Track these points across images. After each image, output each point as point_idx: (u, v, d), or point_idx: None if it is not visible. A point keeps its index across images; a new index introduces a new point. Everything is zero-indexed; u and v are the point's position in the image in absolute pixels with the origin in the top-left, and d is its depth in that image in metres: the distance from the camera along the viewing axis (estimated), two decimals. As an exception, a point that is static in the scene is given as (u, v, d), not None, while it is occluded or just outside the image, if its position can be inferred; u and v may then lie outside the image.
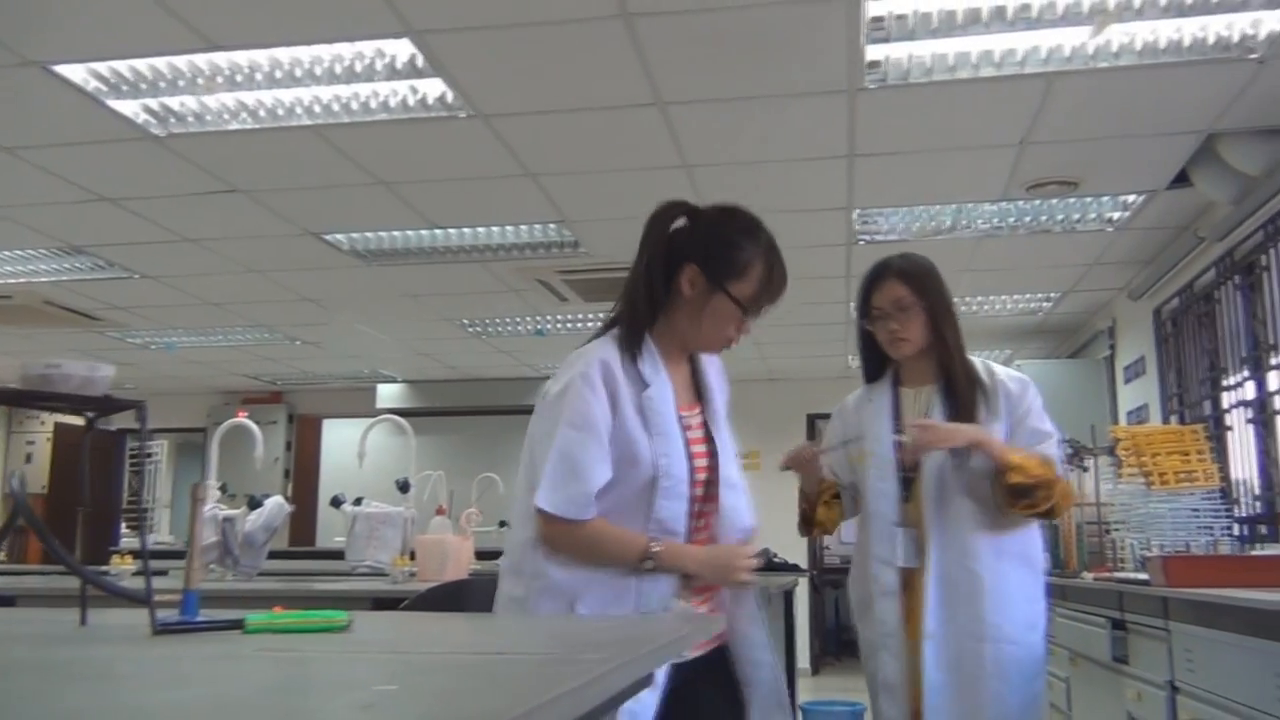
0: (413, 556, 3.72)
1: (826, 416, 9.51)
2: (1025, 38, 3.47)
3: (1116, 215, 5.17)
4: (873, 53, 3.55)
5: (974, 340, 8.15)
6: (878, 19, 3.35)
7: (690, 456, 1.88)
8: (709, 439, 1.96)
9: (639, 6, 3.24)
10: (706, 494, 1.92)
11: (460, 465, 8.49)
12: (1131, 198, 4.92)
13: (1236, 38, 3.45)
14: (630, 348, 1.89)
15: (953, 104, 3.92)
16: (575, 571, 1.79)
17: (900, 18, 3.35)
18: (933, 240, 5.51)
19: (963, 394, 2.42)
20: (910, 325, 2.44)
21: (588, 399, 1.80)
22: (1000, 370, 2.52)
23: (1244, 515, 4.70)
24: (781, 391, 9.30)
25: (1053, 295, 6.81)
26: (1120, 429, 4.37)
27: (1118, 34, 3.44)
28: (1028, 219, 5.25)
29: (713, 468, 1.93)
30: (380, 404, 9.84)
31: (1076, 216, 5.22)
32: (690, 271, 1.90)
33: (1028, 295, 6.86)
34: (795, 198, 4.91)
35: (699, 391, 2.02)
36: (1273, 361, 4.52)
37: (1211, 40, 3.47)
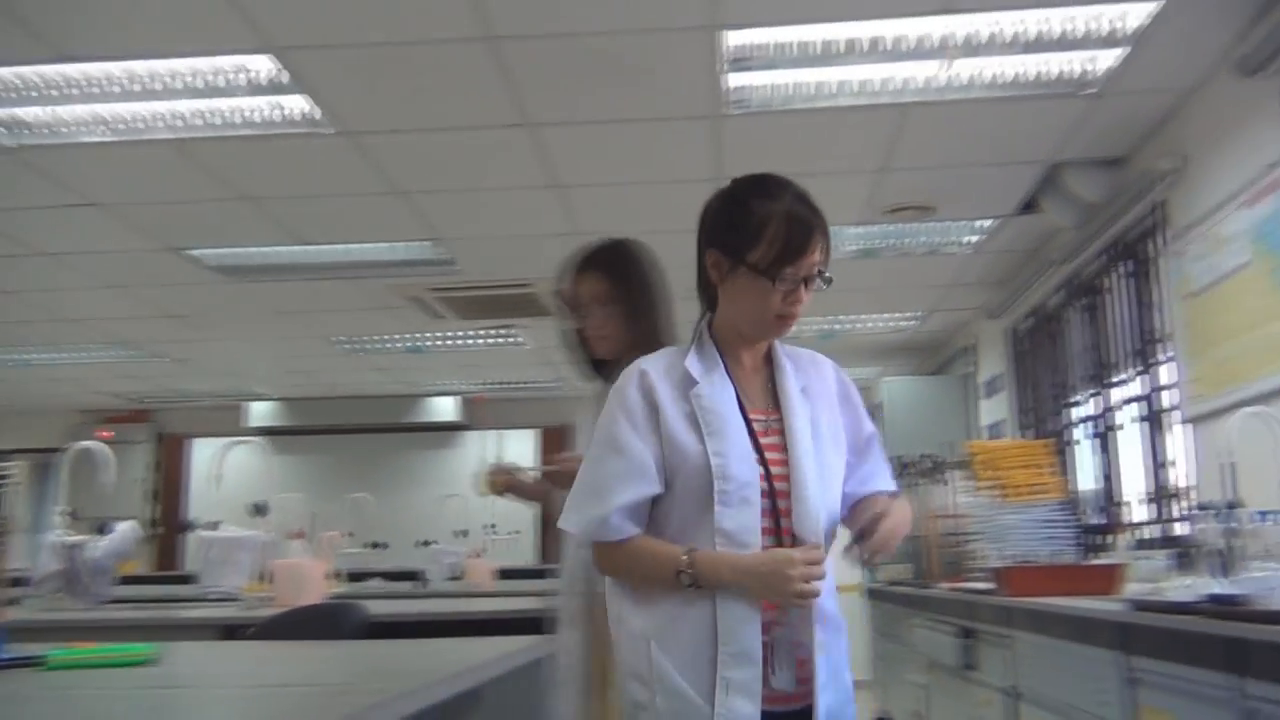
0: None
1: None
2: (880, 69, 3.61)
3: (972, 239, 5.39)
4: (735, 80, 3.65)
5: (845, 358, 8.37)
6: (739, 48, 3.44)
7: (765, 462, 1.67)
8: (785, 447, 1.71)
9: (504, 30, 3.27)
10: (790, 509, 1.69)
11: (335, 485, 8.36)
12: (985, 222, 5.15)
13: (1076, 73, 3.65)
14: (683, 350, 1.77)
15: (814, 131, 4.04)
16: (641, 613, 1.66)
17: (760, 47, 3.45)
18: (801, 261, 5.65)
19: None
20: (610, 322, 2.26)
21: (616, 416, 1.69)
22: None
23: (1086, 526, 4.94)
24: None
25: (918, 315, 7.06)
26: (975, 444, 4.55)
27: (966, 68, 3.60)
28: (891, 241, 5.43)
29: (787, 478, 1.69)
30: (251, 422, 9.60)
31: (937, 240, 5.43)
32: (711, 256, 1.74)
33: (895, 314, 7.09)
34: (666, 219, 4.96)
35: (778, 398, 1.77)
36: (1113, 379, 4.77)
37: (1054, 75, 3.67)
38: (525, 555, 8.69)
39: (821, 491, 1.68)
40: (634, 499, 1.64)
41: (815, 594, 1.59)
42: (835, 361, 1.90)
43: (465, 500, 7.16)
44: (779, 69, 3.59)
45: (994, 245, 5.47)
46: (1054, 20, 3.32)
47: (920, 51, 3.48)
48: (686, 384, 1.70)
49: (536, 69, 3.52)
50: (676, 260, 5.56)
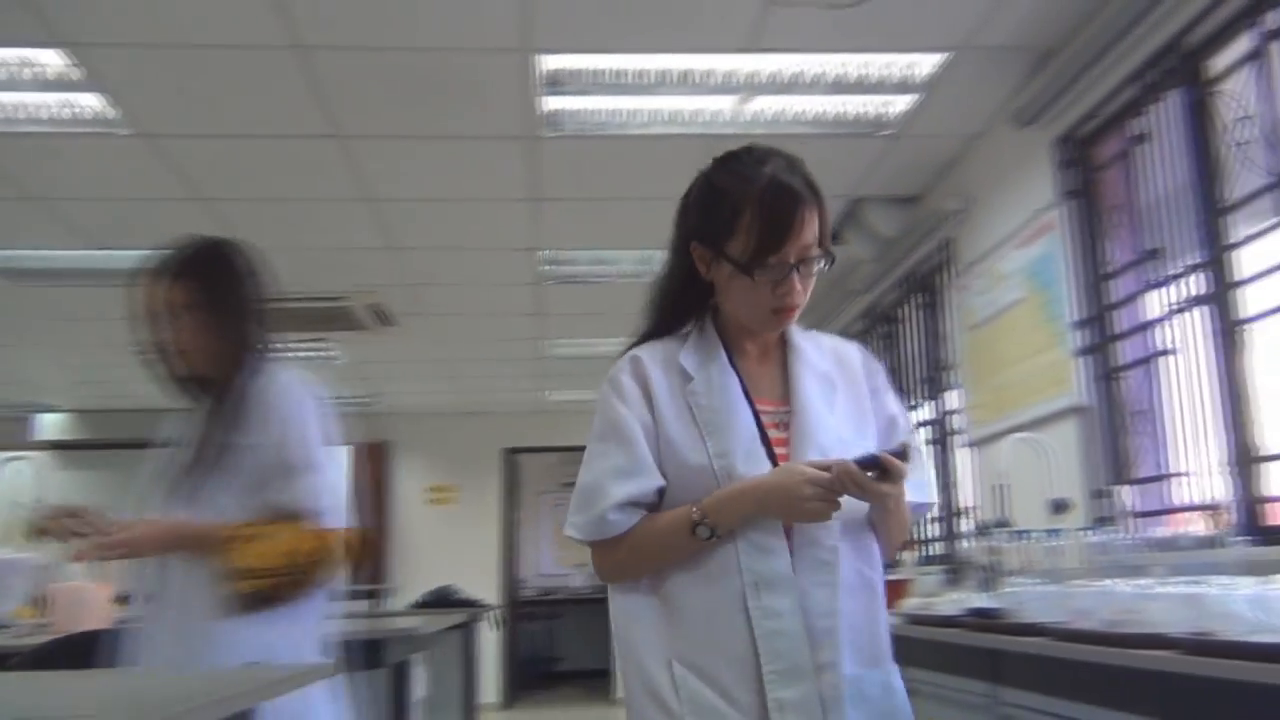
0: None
1: (524, 451, 9.63)
2: (690, 101, 3.73)
3: (781, 267, 5.59)
4: (551, 104, 3.69)
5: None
6: (553, 73, 3.49)
7: (774, 459, 1.48)
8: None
9: (313, 40, 3.21)
10: None
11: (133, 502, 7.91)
12: (793, 252, 5.36)
13: (874, 115, 3.87)
14: (676, 340, 1.60)
15: (627, 156, 4.13)
16: (660, 628, 1.46)
17: (575, 73, 3.51)
18: (620, 283, 5.73)
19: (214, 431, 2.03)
20: (198, 333, 2.05)
21: (613, 404, 1.51)
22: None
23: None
24: (477, 425, 9.30)
25: (731, 338, 7.25)
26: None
27: (773, 104, 3.76)
28: (704, 267, 5.57)
29: None
30: (41, 435, 9.02)
31: (747, 266, 5.60)
32: (695, 249, 1.55)
33: (709, 337, 7.26)
34: (481, 237, 4.99)
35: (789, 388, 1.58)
36: (908, 404, 5.04)
37: (853, 116, 3.87)
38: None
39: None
40: (635, 493, 1.47)
41: (834, 506, 1.40)
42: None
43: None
44: (593, 95, 3.66)
45: (801, 274, 5.69)
46: (851, 65, 3.51)
47: (727, 86, 3.62)
48: (683, 379, 1.54)
49: (348, 81, 3.47)
50: (493, 278, 5.58)
